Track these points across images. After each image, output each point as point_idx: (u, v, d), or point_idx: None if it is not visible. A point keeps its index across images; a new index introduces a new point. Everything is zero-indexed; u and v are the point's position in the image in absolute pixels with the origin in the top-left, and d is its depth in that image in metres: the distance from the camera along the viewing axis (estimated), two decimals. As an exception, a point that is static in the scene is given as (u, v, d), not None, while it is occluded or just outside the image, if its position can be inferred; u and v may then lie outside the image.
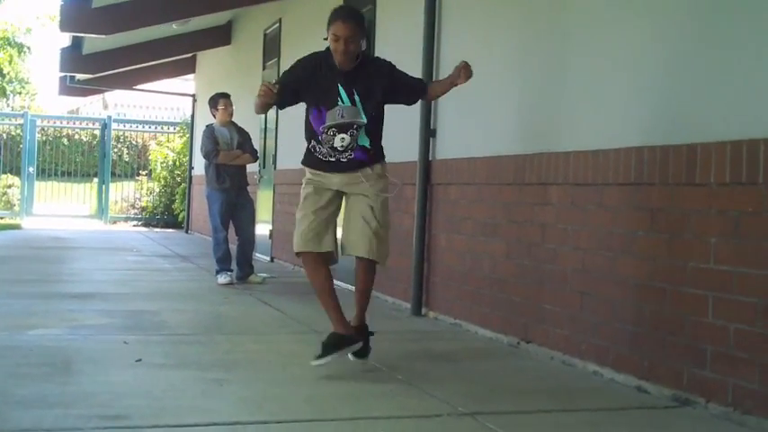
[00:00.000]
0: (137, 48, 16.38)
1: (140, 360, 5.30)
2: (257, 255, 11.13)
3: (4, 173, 23.86)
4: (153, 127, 25.07)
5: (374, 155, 5.31)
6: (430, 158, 7.54)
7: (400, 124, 8.14)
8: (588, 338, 5.44)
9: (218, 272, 9.57)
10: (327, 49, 5.23)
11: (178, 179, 20.98)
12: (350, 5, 5.73)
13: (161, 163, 21.73)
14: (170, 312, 7.34)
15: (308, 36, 11.57)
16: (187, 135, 20.38)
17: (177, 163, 21.11)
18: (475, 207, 6.87)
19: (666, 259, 4.80)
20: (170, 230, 20.32)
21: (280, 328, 6.76)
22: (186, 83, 22.06)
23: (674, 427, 4.29)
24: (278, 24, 12.96)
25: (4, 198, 22.81)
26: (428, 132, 7.53)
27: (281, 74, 5.33)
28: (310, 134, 5.33)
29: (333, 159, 5.26)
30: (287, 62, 12.39)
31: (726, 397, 4.37)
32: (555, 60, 5.98)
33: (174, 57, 18.10)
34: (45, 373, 4.87)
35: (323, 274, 5.29)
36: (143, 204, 22.55)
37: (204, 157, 9.79)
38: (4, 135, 26.06)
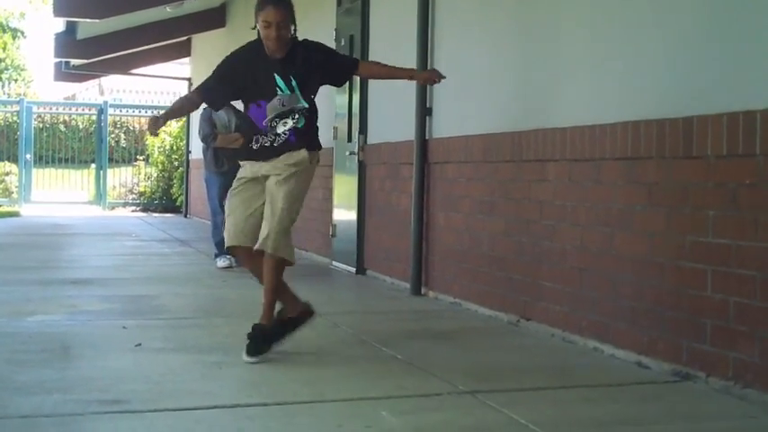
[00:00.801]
0: (131, 32, 16.33)
1: (140, 344, 5.30)
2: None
3: (2, 160, 23.83)
4: (149, 111, 24.95)
5: (303, 137, 5.12)
6: (426, 137, 7.51)
7: (396, 104, 8.14)
8: (588, 315, 5.43)
9: (216, 255, 9.56)
10: (256, 40, 5.15)
11: (176, 163, 20.95)
12: None
13: (158, 148, 21.69)
14: (169, 296, 7.34)
15: (303, 16, 11.51)
16: (184, 119, 20.32)
17: (174, 147, 21.07)
18: (472, 185, 6.85)
19: (665, 234, 4.78)
20: (168, 215, 20.31)
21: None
22: (182, 66, 21.98)
23: (674, 401, 4.28)
24: (272, 6, 12.88)
25: (1, 185, 22.79)
26: (424, 111, 7.49)
27: (212, 71, 5.21)
28: (253, 130, 5.14)
29: (267, 144, 5.10)
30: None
31: (726, 371, 4.36)
32: (550, 35, 5.95)
33: (169, 40, 18.03)
34: (44, 359, 4.87)
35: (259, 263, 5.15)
36: (141, 189, 22.51)
37: (202, 141, 9.75)
38: (1, 122, 26.04)
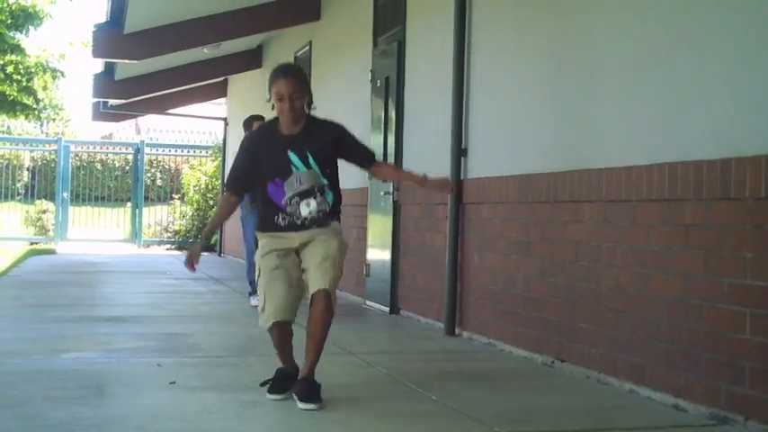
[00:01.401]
0: (169, 72, 16.52)
1: (174, 382, 5.31)
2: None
3: (39, 198, 24.08)
4: (185, 151, 25.22)
5: (332, 214, 5.06)
6: (461, 177, 7.52)
7: (431, 144, 8.16)
8: (624, 357, 5.38)
9: (250, 294, 9.58)
10: (270, 121, 5.13)
11: (211, 202, 21.07)
12: (290, 62, 5.45)
13: (194, 186, 21.84)
14: (204, 335, 7.35)
15: (338, 57, 11.62)
16: (219, 158, 20.48)
17: (210, 186, 21.21)
18: (507, 225, 6.84)
19: (702, 275, 4.75)
20: (203, 254, 20.29)
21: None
22: (218, 107, 22.19)
23: (712, 445, 4.24)
24: (308, 47, 13.01)
25: (38, 223, 23.00)
26: (459, 151, 7.51)
27: (237, 155, 5.22)
28: (273, 210, 5.01)
29: (299, 223, 5.00)
30: (318, 84, 12.46)
31: (765, 414, 4.31)
32: (586, 76, 5.95)
33: (206, 81, 18.22)
34: (79, 396, 4.89)
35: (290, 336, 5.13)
36: (176, 228, 22.65)
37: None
38: (39, 161, 26.33)
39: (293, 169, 4.93)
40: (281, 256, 5.01)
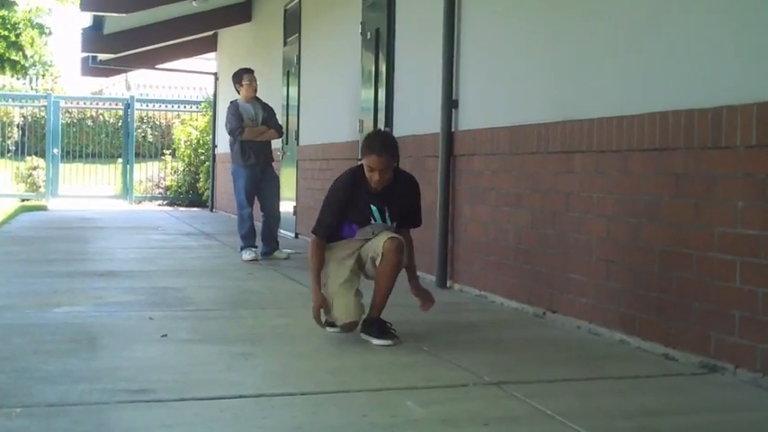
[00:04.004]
0: (157, 27, 16.40)
1: (166, 335, 5.32)
2: (282, 231, 11.13)
3: (29, 155, 23.98)
4: (176, 106, 25.08)
5: None
6: (452, 129, 7.49)
7: (421, 97, 8.13)
8: (614, 307, 5.40)
9: (242, 248, 9.58)
10: (359, 167, 5.42)
11: (202, 158, 20.99)
12: (381, 133, 6.04)
13: (185, 142, 21.76)
14: (195, 288, 7.36)
15: (328, 10, 11.54)
16: (210, 113, 20.39)
17: (201, 141, 21.12)
18: (498, 177, 6.82)
19: (692, 225, 4.75)
20: (195, 209, 20.36)
21: (305, 302, 6.70)
22: (208, 62, 22.04)
23: (701, 393, 4.26)
24: (298, 0, 12.91)
25: (29, 180, 22.92)
26: (450, 103, 7.47)
27: (327, 199, 5.50)
28: (332, 234, 5.45)
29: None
30: (307, 38, 12.39)
31: (754, 363, 4.33)
32: (577, 26, 5.91)
33: (195, 35, 18.10)
34: (70, 349, 4.89)
35: None
36: (167, 184, 22.59)
37: (229, 134, 9.77)
38: (29, 118, 26.19)
39: (372, 220, 5.39)
40: (343, 260, 5.41)
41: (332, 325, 5.42)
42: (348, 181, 5.42)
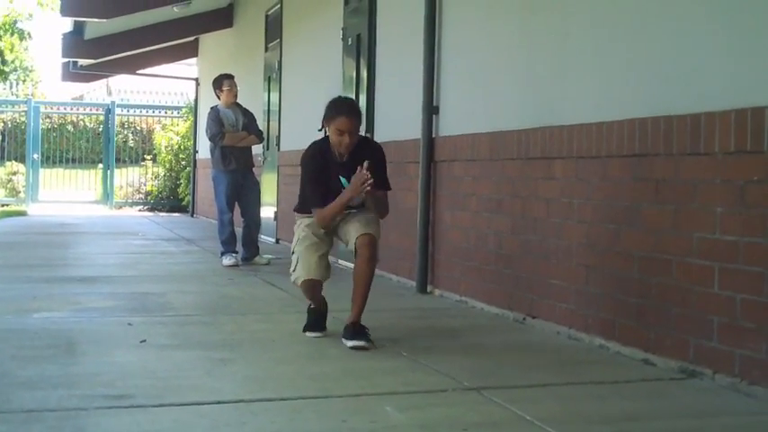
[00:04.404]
0: (139, 32, 16.37)
1: (145, 341, 5.29)
2: (263, 236, 11.12)
3: (9, 160, 23.87)
4: (157, 111, 25.03)
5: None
6: (433, 135, 7.49)
7: (402, 102, 8.13)
8: (594, 312, 5.41)
9: (223, 253, 9.56)
10: (322, 140, 5.46)
11: (183, 163, 20.95)
12: (346, 98, 5.97)
13: (165, 147, 21.71)
14: (175, 294, 7.33)
15: (309, 16, 11.53)
16: (191, 119, 20.36)
17: (182, 147, 21.08)
18: (479, 183, 6.83)
19: (671, 230, 4.76)
20: (175, 214, 20.32)
21: (284, 307, 6.74)
22: (189, 67, 22.01)
23: (680, 398, 4.27)
24: (279, 5, 12.90)
25: (9, 185, 22.84)
26: (431, 109, 7.47)
27: (304, 175, 5.54)
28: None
29: None
30: (289, 43, 12.38)
31: (732, 368, 4.34)
32: (556, 32, 5.93)
33: (176, 40, 18.07)
34: (49, 355, 4.86)
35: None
36: (148, 189, 22.55)
37: (210, 140, 9.76)
38: (9, 123, 26.07)
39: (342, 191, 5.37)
40: (315, 233, 5.48)
41: (312, 330, 5.41)
42: (315, 151, 5.47)
